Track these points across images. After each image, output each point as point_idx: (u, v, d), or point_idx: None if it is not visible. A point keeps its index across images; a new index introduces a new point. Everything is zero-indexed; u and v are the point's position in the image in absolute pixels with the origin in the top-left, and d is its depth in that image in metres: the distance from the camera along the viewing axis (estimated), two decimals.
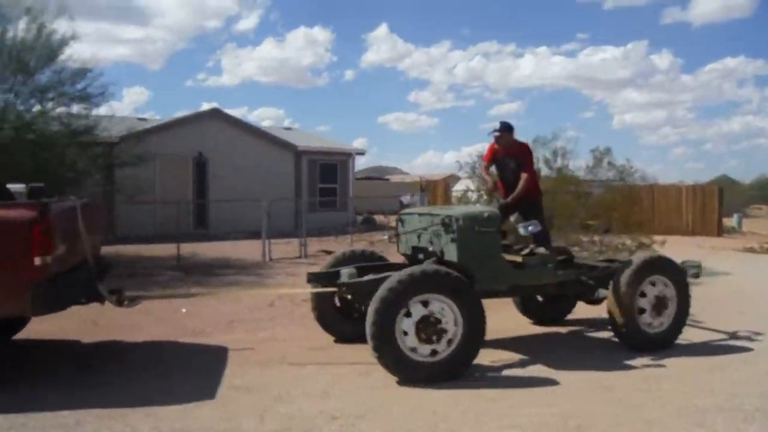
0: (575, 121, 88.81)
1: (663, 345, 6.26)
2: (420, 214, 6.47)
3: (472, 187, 14.25)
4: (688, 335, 6.75)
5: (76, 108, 12.23)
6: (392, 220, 27.29)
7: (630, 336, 6.21)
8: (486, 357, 5.84)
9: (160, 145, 17.21)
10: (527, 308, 7.77)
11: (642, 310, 6.20)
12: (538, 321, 7.76)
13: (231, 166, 19.43)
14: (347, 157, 23.46)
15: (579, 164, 13.18)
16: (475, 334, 5.31)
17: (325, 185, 22.53)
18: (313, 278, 6.37)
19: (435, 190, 25.46)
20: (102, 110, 13.01)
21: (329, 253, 14.85)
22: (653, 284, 6.26)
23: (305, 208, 16.27)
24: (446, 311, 5.22)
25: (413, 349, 5.15)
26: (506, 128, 7.01)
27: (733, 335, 7.01)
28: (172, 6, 58.56)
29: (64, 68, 11.93)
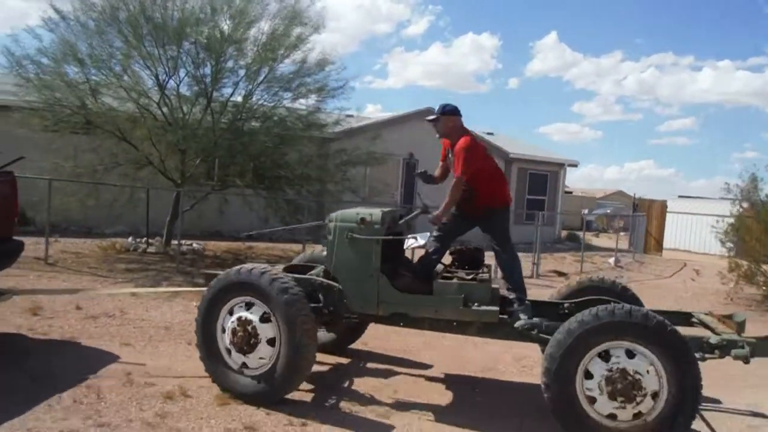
0: (755, 141, 78.78)
1: None
2: None
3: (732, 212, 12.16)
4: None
5: (312, 101, 11.77)
6: (591, 238, 25.44)
7: None
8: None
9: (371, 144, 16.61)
10: None
11: (592, 400, 4.09)
12: None
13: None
14: (559, 167, 21.71)
15: None
16: (298, 355, 4.50)
17: (532, 197, 20.95)
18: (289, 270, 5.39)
19: (650, 209, 22.87)
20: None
21: (562, 275, 13.43)
22: (605, 357, 4.11)
23: (514, 220, 14.97)
24: (262, 320, 4.62)
25: (228, 351, 4.72)
26: (448, 111, 5.22)
27: None
28: (347, 10, 58.31)
29: (306, 59, 11.51)
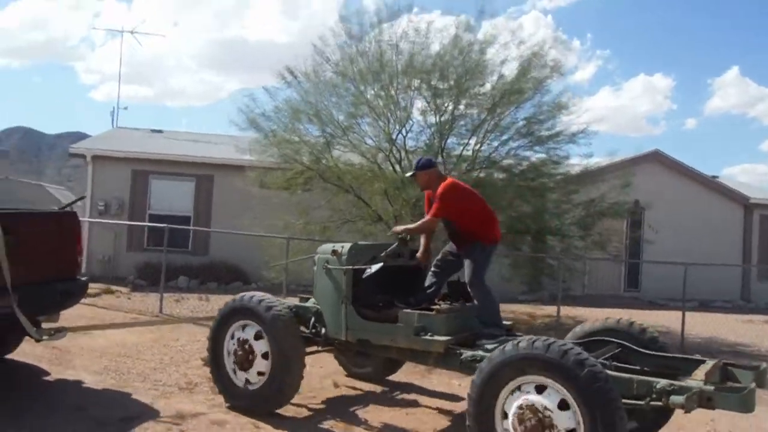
0: None
1: None
2: None
3: None
4: None
5: (550, 147, 10.62)
6: None
7: None
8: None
9: (592, 191, 15.01)
10: None
11: None
12: None
13: (668, 217, 16.50)
14: None
15: None
16: (285, 369, 5.16)
17: None
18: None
19: None
20: None
21: None
22: (514, 391, 3.96)
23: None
24: (260, 342, 5.28)
25: (234, 372, 5.43)
26: (422, 166, 5.63)
27: None
28: (513, 60, 55.42)
29: (541, 103, 10.47)
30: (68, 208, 6.42)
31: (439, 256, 5.79)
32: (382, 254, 5.37)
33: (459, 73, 9.87)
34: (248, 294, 5.48)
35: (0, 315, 5.01)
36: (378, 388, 6.51)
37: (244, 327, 5.39)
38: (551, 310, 11.91)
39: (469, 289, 5.32)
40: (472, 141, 10.56)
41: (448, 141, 10.57)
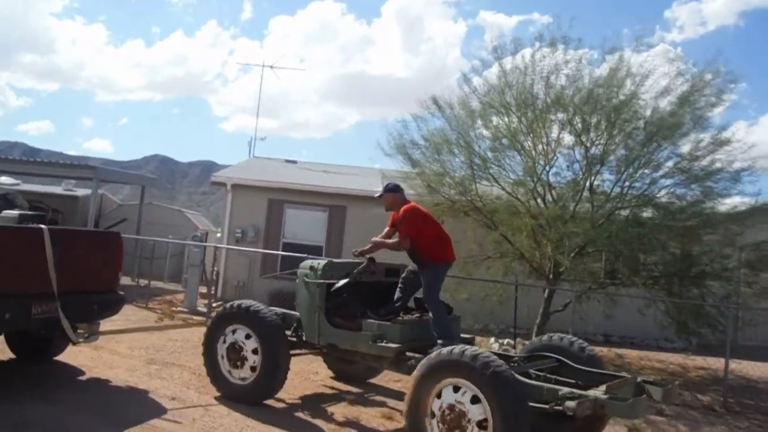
0: None
1: None
2: None
3: None
4: None
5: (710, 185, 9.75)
6: None
7: None
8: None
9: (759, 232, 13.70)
10: None
11: None
12: None
13: None
14: None
15: None
16: (271, 367, 6.02)
17: None
18: None
19: None
20: None
21: None
22: (439, 395, 4.72)
23: None
24: (248, 341, 6.15)
25: (229, 372, 6.24)
26: (389, 189, 6.37)
27: None
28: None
29: (700, 139, 9.70)
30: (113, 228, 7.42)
31: (403, 274, 6.52)
32: (354, 271, 6.07)
33: (612, 106, 9.34)
34: (241, 302, 6.36)
35: (47, 319, 5.68)
36: (356, 389, 7.33)
37: (234, 331, 6.24)
38: (707, 362, 10.90)
39: (425, 305, 6.03)
40: (623, 177, 9.95)
41: (596, 177, 10.06)
